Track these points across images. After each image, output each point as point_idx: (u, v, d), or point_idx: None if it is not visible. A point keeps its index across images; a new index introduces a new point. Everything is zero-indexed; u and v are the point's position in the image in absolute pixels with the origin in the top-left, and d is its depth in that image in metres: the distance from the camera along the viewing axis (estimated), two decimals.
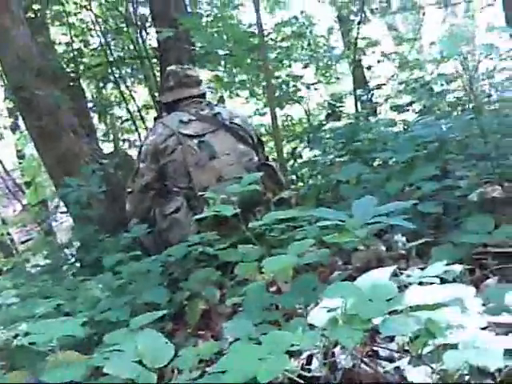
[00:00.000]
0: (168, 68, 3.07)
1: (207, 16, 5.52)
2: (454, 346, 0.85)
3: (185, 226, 2.55)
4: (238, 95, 6.01)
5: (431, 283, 1.03)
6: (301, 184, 3.59)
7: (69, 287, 2.51)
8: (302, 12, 5.44)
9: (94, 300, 1.99)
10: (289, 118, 5.40)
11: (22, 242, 7.88)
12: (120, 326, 1.71)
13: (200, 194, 2.33)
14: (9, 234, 8.18)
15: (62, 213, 3.86)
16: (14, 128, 9.01)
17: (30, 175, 8.29)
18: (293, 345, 0.94)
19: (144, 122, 5.28)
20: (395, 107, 3.65)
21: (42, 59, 3.84)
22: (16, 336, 1.28)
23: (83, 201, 3.53)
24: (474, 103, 2.07)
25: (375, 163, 2.91)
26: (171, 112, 2.88)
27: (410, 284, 1.00)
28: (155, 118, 3.11)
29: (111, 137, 6.92)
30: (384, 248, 1.73)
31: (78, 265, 3.41)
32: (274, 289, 1.94)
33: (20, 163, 9.04)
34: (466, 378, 0.90)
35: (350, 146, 2.95)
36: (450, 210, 2.04)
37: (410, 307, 0.90)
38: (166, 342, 1.23)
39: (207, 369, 1.50)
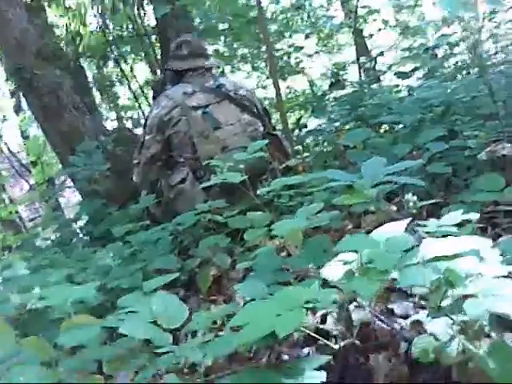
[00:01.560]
0: (180, 37, 3.03)
1: None
2: (474, 296, 0.85)
3: (191, 195, 2.55)
4: (239, 69, 5.97)
5: (447, 235, 1.02)
6: (306, 154, 3.57)
7: (79, 258, 2.53)
8: None
9: (105, 268, 2.00)
10: (292, 90, 5.36)
11: (31, 220, 7.93)
12: (132, 292, 1.73)
13: (206, 163, 2.30)
14: (17, 212, 8.24)
15: (68, 187, 3.84)
16: (18, 109, 8.99)
17: (36, 155, 8.32)
18: (308, 301, 0.94)
19: (146, 99, 5.25)
20: (399, 74, 3.61)
21: (40, 41, 3.82)
22: (28, 301, 1.28)
23: (89, 176, 3.55)
24: (479, 63, 2.04)
25: (381, 128, 2.90)
26: (176, 82, 2.87)
27: (428, 234, 0.99)
28: (154, 91, 3.11)
29: (114, 115, 6.92)
30: (395, 209, 1.72)
31: (87, 238, 3.43)
32: (284, 254, 1.94)
33: (25, 144, 9.03)
34: (486, 328, 0.90)
35: (355, 112, 2.93)
36: (459, 171, 2.04)
37: (427, 259, 0.89)
38: (180, 304, 1.24)
39: (219, 332, 1.52)
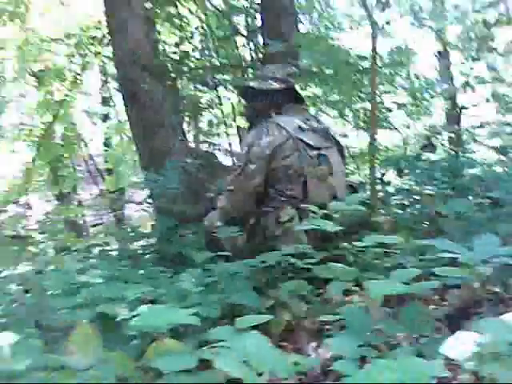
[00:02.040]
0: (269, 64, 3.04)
1: (312, 34, 5.57)
2: None
3: (297, 235, 2.46)
4: (325, 113, 5.99)
5: None
6: (385, 211, 3.50)
7: (149, 276, 2.55)
8: (406, 46, 5.38)
9: (182, 293, 1.99)
10: (379, 144, 5.33)
11: (93, 226, 8.14)
12: (207, 322, 1.71)
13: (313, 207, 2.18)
14: (83, 215, 8.50)
15: (148, 203, 3.91)
16: (106, 117, 9.35)
17: (113, 163, 8.61)
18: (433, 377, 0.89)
19: (237, 128, 5.34)
20: (497, 148, 3.52)
21: (151, 55, 3.95)
22: (133, 316, 1.28)
23: (169, 195, 3.61)
24: None
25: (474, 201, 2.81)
26: (270, 108, 2.79)
27: None
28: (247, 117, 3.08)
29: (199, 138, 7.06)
30: (498, 290, 1.65)
31: (155, 255, 3.46)
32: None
33: (106, 150, 9.35)
34: None
35: (451, 180, 2.86)
36: None
37: None
38: (273, 348, 1.21)
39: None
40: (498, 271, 1.73)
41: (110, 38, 4.14)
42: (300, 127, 2.65)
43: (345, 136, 6.05)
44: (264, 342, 1.20)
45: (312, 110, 7.04)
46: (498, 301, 1.65)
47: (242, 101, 3.60)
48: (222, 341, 1.20)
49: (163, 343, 1.18)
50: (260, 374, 1.17)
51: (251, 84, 2.90)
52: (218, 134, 5.98)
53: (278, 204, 2.59)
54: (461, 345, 0.91)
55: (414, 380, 0.84)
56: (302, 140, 2.63)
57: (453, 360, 0.94)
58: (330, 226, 1.88)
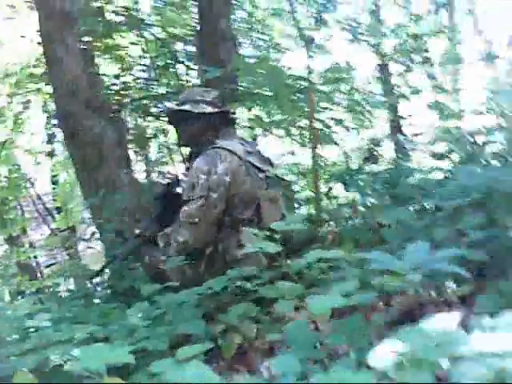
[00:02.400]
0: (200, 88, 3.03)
1: (252, 57, 5.65)
2: None
3: (259, 257, 2.49)
4: (272, 133, 6.07)
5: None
6: (331, 223, 3.56)
7: (101, 314, 2.52)
8: (347, 63, 5.50)
9: (130, 328, 1.98)
10: (323, 160, 5.42)
11: (47, 266, 7.97)
12: (155, 355, 1.71)
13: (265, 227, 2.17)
14: (35, 257, 8.31)
15: (97, 239, 3.86)
16: (51, 154, 9.21)
17: (62, 201, 8.48)
18: None
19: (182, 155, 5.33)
20: (435, 155, 3.63)
21: (90, 90, 3.94)
22: (66, 361, 1.27)
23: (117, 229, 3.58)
24: None
25: (413, 208, 2.88)
26: (207, 131, 2.79)
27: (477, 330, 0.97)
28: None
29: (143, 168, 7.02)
30: (434, 293, 1.70)
31: (108, 291, 3.41)
32: (311, 327, 1.91)
33: (53, 189, 9.19)
34: None
35: (391, 190, 2.93)
36: (496, 259, 2.01)
37: (479, 354, 0.87)
38: (214, 376, 1.21)
39: None
40: (431, 276, 1.79)
41: (47, 73, 4.10)
42: (247, 151, 2.70)
43: (292, 154, 6.14)
44: (205, 370, 1.20)
45: (258, 131, 7.12)
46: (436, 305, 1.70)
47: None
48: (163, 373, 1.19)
49: (102, 382, 1.17)
50: None
51: (186, 108, 2.80)
52: (167, 163, 5.98)
53: (232, 229, 2.60)
54: (385, 353, 0.94)
55: None
56: (251, 163, 2.66)
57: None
58: (272, 248, 1.90)
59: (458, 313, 1.00)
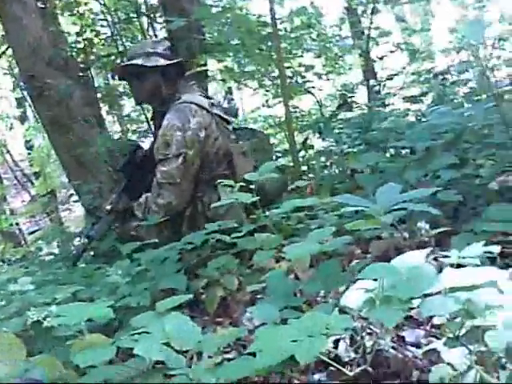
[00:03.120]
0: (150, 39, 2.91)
1: (217, 6, 5.50)
2: (493, 327, 0.85)
3: (239, 210, 2.46)
4: (246, 85, 5.99)
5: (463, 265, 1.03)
6: (311, 175, 3.58)
7: (84, 274, 2.53)
8: (311, 2, 5.42)
9: (112, 286, 2.00)
10: (298, 110, 5.38)
11: (31, 233, 7.93)
12: (139, 311, 1.73)
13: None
14: (17, 224, 8.24)
15: (75, 201, 3.83)
16: (23, 119, 9.03)
17: (39, 166, 8.36)
18: (327, 328, 0.94)
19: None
20: (408, 98, 3.64)
21: (53, 48, 3.83)
22: (45, 317, 1.28)
23: (95, 190, 3.56)
24: (494, 91, 2.05)
25: (389, 153, 2.91)
26: (163, 86, 2.68)
27: (448, 265, 1.00)
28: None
29: (118, 127, 6.93)
30: (407, 235, 1.73)
31: (91, 253, 3.42)
32: (291, 277, 1.94)
33: (29, 154, 9.05)
34: (503, 360, 0.90)
35: (364, 136, 2.95)
36: (469, 199, 2.04)
37: (449, 288, 0.90)
38: (193, 326, 1.23)
39: (226, 355, 1.51)
40: (406, 217, 1.82)
41: (6, 36, 3.97)
42: (212, 104, 2.63)
43: (268, 106, 6.09)
44: (185, 321, 1.23)
45: (232, 84, 7.02)
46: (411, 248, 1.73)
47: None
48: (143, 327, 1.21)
49: (84, 339, 1.19)
50: (184, 353, 1.20)
51: (138, 62, 2.63)
52: (142, 121, 5.90)
53: (209, 186, 2.57)
54: (357, 293, 0.97)
55: (307, 333, 0.89)
56: (220, 116, 2.62)
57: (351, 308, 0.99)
58: (245, 198, 1.90)
59: (426, 249, 1.02)
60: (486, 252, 1.35)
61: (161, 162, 2.50)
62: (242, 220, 2.39)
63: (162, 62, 2.65)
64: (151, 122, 2.91)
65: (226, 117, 2.67)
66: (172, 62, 2.69)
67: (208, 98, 2.73)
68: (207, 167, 2.58)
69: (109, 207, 2.69)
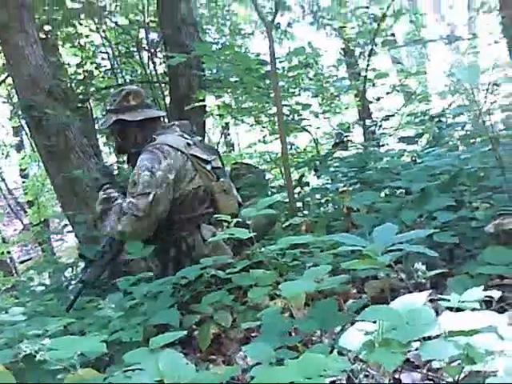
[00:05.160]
0: (124, 88, 2.83)
1: (216, 44, 5.60)
2: (493, 373, 0.84)
3: (226, 250, 2.50)
4: (243, 122, 6.05)
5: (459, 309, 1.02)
6: (306, 212, 3.58)
7: (75, 307, 2.50)
8: (309, 43, 5.51)
9: (104, 320, 1.97)
10: (294, 147, 5.43)
11: (22, 262, 7.87)
12: (131, 346, 1.70)
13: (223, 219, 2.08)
14: (9, 252, 8.17)
15: (68, 232, 3.81)
16: (19, 147, 9.05)
17: (33, 194, 8.34)
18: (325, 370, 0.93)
19: None
20: (404, 139, 3.67)
21: (53, 79, 3.87)
22: (38, 351, 1.26)
23: (89, 221, 3.55)
24: (491, 135, 2.08)
25: (384, 193, 2.92)
26: (139, 135, 2.72)
27: (447, 308, 1.00)
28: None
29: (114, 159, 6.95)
30: (404, 276, 1.72)
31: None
32: (286, 315, 1.93)
33: (23, 182, 9.04)
34: None
35: (360, 175, 2.96)
36: (465, 241, 2.05)
37: (447, 333, 0.89)
38: (187, 363, 1.22)
39: None
40: (402, 258, 1.82)
41: (7, 65, 4.02)
42: (188, 144, 2.65)
43: (264, 142, 6.13)
44: (179, 358, 1.21)
45: (229, 120, 7.07)
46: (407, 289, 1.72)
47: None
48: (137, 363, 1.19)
49: (76, 374, 1.17)
50: None
51: (125, 117, 2.69)
52: None
53: (192, 226, 2.58)
54: (356, 335, 0.96)
55: (310, 375, 0.88)
56: (195, 156, 2.64)
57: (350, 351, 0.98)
58: (244, 234, 1.90)
59: (425, 292, 1.02)
60: (486, 296, 1.35)
61: (130, 196, 2.52)
62: (231, 258, 2.39)
63: (143, 115, 2.71)
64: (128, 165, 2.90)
65: (203, 156, 2.68)
66: (154, 116, 2.76)
67: (188, 136, 2.75)
68: (188, 207, 2.59)
69: (101, 249, 2.68)
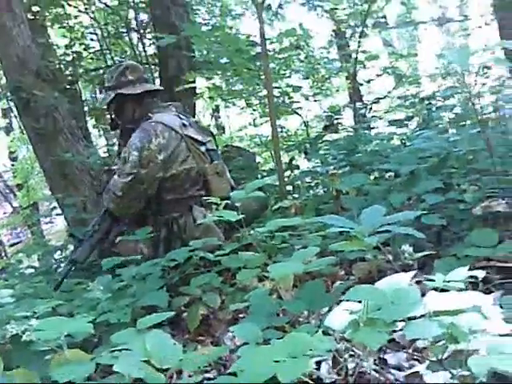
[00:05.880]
0: (122, 63, 2.84)
1: (206, 25, 5.55)
2: (476, 352, 0.85)
3: (217, 232, 2.50)
4: (234, 104, 6.02)
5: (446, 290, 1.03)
6: (295, 195, 3.58)
7: (64, 289, 2.50)
8: (300, 24, 5.48)
9: (92, 302, 1.97)
10: (284, 130, 5.41)
11: (11, 245, 7.84)
12: (119, 328, 1.70)
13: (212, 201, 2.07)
14: None
15: (57, 215, 3.80)
16: (8, 129, 8.97)
17: (22, 177, 8.29)
18: (311, 349, 0.94)
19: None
20: (394, 121, 3.67)
21: (41, 60, 3.83)
22: (24, 331, 1.26)
23: (79, 204, 3.54)
24: (479, 117, 2.08)
25: (373, 175, 2.93)
26: (137, 110, 2.72)
27: (432, 289, 1.00)
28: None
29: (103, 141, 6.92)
30: (391, 258, 1.73)
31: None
32: (274, 296, 1.93)
33: (12, 165, 8.98)
34: None
35: (350, 158, 2.96)
36: (452, 223, 2.06)
37: (432, 312, 0.90)
38: (174, 344, 1.22)
39: (206, 374, 1.49)
40: (389, 240, 1.83)
41: None
42: (183, 124, 2.63)
43: (254, 125, 6.12)
44: (166, 339, 1.21)
45: (219, 102, 7.03)
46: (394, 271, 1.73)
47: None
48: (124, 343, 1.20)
49: (63, 354, 1.17)
50: (165, 371, 1.18)
51: (123, 91, 2.67)
52: None
53: (184, 207, 2.58)
54: (341, 315, 0.96)
55: (291, 354, 0.89)
56: (190, 137, 2.62)
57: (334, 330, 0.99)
58: (233, 216, 1.90)
59: (410, 273, 1.03)
60: (470, 277, 1.36)
61: (117, 173, 2.58)
62: (221, 241, 2.39)
63: (138, 89, 2.69)
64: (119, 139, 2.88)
65: (198, 138, 2.67)
66: (148, 89, 2.74)
67: (184, 117, 2.73)
68: (180, 187, 2.58)
69: (91, 229, 2.68)
